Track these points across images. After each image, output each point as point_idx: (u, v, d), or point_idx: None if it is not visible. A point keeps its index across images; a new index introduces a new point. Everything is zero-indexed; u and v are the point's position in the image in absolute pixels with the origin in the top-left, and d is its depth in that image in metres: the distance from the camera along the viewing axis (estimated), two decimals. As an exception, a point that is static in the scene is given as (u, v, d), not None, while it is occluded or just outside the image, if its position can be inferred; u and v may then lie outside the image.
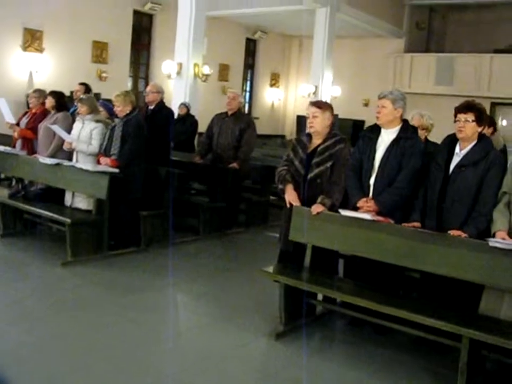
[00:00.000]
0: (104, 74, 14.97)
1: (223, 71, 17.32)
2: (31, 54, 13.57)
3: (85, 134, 6.65)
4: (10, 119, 7.46)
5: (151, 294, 5.40)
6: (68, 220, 5.90)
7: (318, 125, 4.82)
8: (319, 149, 4.81)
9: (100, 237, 6.21)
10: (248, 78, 20.18)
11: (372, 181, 4.59)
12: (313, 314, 4.92)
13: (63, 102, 7.28)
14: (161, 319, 4.83)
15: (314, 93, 15.46)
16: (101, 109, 7.05)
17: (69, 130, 6.80)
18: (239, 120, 7.77)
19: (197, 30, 11.26)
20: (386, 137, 4.61)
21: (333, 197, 4.69)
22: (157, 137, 6.92)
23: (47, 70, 13.88)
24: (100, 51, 15.01)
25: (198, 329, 4.64)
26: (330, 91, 15.96)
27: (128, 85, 16.18)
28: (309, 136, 4.95)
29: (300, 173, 4.83)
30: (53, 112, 7.20)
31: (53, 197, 6.78)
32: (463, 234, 4.11)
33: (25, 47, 13.47)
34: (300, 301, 4.65)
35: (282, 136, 20.16)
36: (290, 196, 4.78)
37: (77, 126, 6.80)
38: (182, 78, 11.21)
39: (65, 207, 6.60)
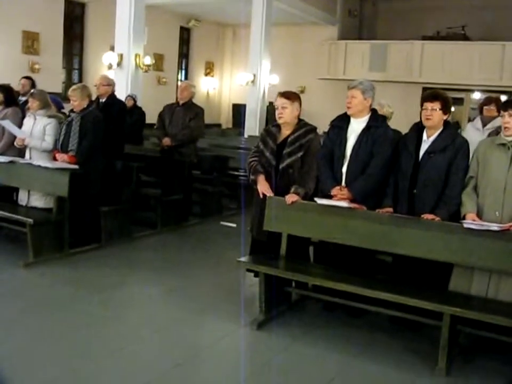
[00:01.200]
0: (36, 66, 14.56)
1: (158, 61, 17.10)
2: (-45, 45, 13.02)
3: (38, 130, 6.49)
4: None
5: (122, 290, 5.40)
6: (30, 220, 5.75)
7: (288, 116, 4.91)
8: (289, 139, 4.91)
9: (60, 236, 6.11)
10: (183, 67, 20.07)
11: (344, 169, 4.73)
12: (289, 302, 5.04)
13: (12, 96, 7.07)
14: (138, 315, 4.84)
15: (252, 81, 15.55)
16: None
17: (19, 126, 6.62)
18: (189, 110, 7.77)
19: (137, 19, 11.10)
20: (356, 126, 4.75)
21: (306, 186, 4.81)
22: (111, 131, 6.82)
23: (-25, 62, 13.37)
24: (31, 41, 14.57)
25: (177, 323, 4.66)
26: (268, 79, 16.09)
27: (62, 76, 15.80)
28: (278, 126, 5.03)
29: (271, 163, 4.92)
30: (1, 107, 6.98)
31: (4, 196, 6.62)
32: (436, 218, 4.31)
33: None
34: (276, 289, 4.76)
35: (219, 125, 20.17)
36: (263, 187, 4.86)
37: (28, 121, 6.62)
38: (124, 69, 11.04)
39: (20, 206, 6.45)
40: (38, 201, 6.42)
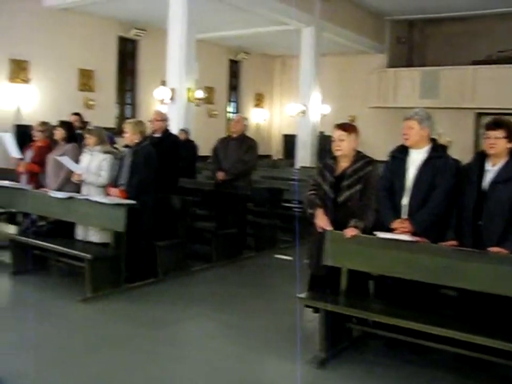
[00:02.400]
0: (91, 102, 14.97)
1: (208, 94, 17.34)
2: (18, 85, 13.49)
3: (94, 165, 6.59)
4: (15, 153, 7.37)
5: (180, 326, 5.35)
6: (88, 256, 5.81)
7: (345, 148, 4.83)
8: (347, 171, 4.82)
9: (117, 270, 6.13)
10: (233, 100, 20.26)
11: (404, 201, 4.60)
12: (350, 338, 4.90)
13: (72, 133, 7.24)
14: (196, 352, 4.77)
15: (303, 112, 15.56)
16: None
17: (77, 162, 6.74)
18: (243, 143, 7.79)
19: (188, 54, 11.32)
20: (416, 156, 4.64)
21: (365, 220, 4.70)
22: (166, 165, 6.87)
23: (34, 100, 13.83)
24: (86, 79, 15.01)
25: (237, 360, 4.57)
26: (319, 109, 16.07)
27: (115, 111, 16.13)
28: (335, 159, 4.96)
29: (330, 197, 4.83)
30: (62, 143, 7.13)
31: (63, 231, 6.70)
32: (503, 251, 4.13)
33: (11, 78, 13.37)
34: (337, 325, 4.64)
35: (269, 156, 20.21)
36: (322, 221, 4.77)
37: (85, 157, 6.74)
38: (176, 103, 11.21)
39: (78, 241, 6.52)
40: (94, 236, 6.48)
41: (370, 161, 4.86)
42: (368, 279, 5.00)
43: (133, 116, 16.25)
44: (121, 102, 16.52)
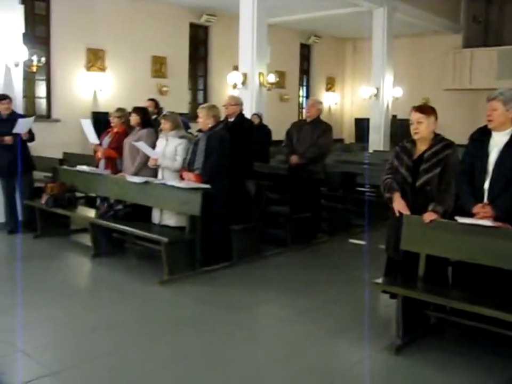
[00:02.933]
0: (164, 89, 15.15)
1: (280, 78, 17.24)
2: (94, 73, 13.81)
3: (170, 150, 6.68)
4: (94, 140, 7.56)
5: (254, 310, 5.38)
6: (165, 239, 5.90)
7: (424, 131, 4.69)
8: (425, 155, 4.68)
9: (193, 254, 6.21)
10: (304, 84, 20.12)
11: (486, 185, 4.44)
12: (427, 325, 4.79)
13: (147, 118, 7.36)
14: (271, 336, 4.79)
15: (376, 95, 15.29)
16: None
17: (153, 147, 6.85)
18: (317, 127, 7.70)
19: (259, 38, 11.23)
20: (499, 139, 4.45)
21: (445, 204, 4.56)
22: (240, 150, 6.88)
23: (110, 87, 14.12)
24: (159, 66, 15.19)
25: (311, 345, 4.54)
26: (391, 92, 15.75)
27: (188, 97, 16.30)
28: (413, 142, 4.82)
29: (407, 181, 4.71)
30: (137, 128, 7.26)
31: (140, 215, 6.83)
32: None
33: (88, 67, 13.71)
34: (414, 312, 4.54)
35: (341, 140, 19.97)
36: (399, 205, 4.66)
37: (161, 142, 6.84)
38: (248, 88, 11.20)
39: (154, 225, 6.64)
40: (170, 219, 6.59)
41: (450, 144, 4.70)
42: (447, 265, 4.87)
43: (206, 101, 16.37)
44: (194, 88, 16.66)
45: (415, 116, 4.73)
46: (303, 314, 5.20)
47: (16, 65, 8.07)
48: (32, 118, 7.91)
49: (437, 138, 4.75)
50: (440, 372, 4.08)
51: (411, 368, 4.15)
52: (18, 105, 8.21)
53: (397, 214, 4.68)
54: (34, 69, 8.74)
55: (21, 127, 7.64)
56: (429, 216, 4.49)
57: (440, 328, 4.87)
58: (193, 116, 12.93)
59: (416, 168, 4.70)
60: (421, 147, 4.76)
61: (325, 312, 5.24)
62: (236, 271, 6.44)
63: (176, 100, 14.77)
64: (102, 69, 13.93)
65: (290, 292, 5.80)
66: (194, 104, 16.20)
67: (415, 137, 4.75)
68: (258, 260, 6.86)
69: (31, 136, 7.88)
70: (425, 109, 4.79)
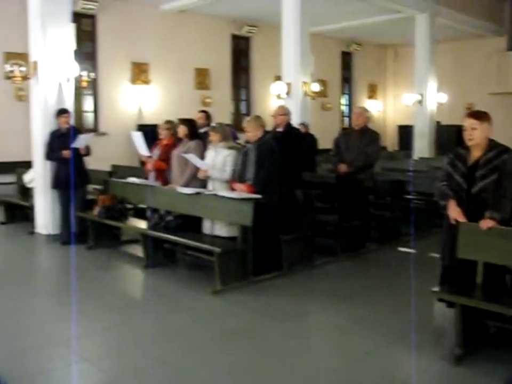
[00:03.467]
0: (207, 100, 15.34)
1: (322, 87, 17.27)
2: (139, 86, 14.06)
3: (219, 161, 6.74)
4: (144, 152, 7.68)
5: (308, 319, 5.39)
6: (218, 249, 5.96)
7: (478, 137, 4.63)
8: (481, 161, 4.63)
9: (244, 264, 6.24)
10: (346, 92, 20.08)
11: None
12: (487, 335, 4.71)
13: (195, 130, 7.45)
14: (327, 345, 4.77)
15: (419, 101, 15.17)
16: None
17: (201, 159, 6.92)
18: (365, 136, 7.68)
19: (303, 48, 11.28)
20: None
21: (502, 211, 4.49)
22: (289, 159, 6.90)
23: (155, 100, 14.35)
24: (202, 77, 15.41)
25: (368, 354, 4.52)
26: (436, 98, 15.60)
27: (231, 108, 16.44)
28: (467, 148, 4.77)
29: (462, 188, 4.66)
30: (185, 140, 7.36)
31: (190, 226, 6.90)
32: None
33: (133, 81, 13.96)
34: (472, 321, 4.47)
35: (384, 148, 19.84)
36: (455, 212, 4.61)
37: (210, 154, 6.91)
38: (292, 97, 11.23)
39: (205, 235, 6.70)
40: (221, 230, 6.63)
41: (506, 150, 4.63)
42: (505, 272, 4.79)
43: (248, 112, 16.52)
44: (236, 99, 16.82)
45: (469, 122, 4.68)
46: (357, 322, 5.18)
47: (68, 80, 8.29)
48: (91, 134, 8.16)
49: (492, 144, 4.69)
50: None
51: (471, 378, 4.08)
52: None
53: (453, 222, 4.63)
54: (84, 84, 8.95)
55: (81, 142, 7.90)
56: (486, 224, 4.43)
57: (501, 338, 4.78)
58: (236, 126, 13.09)
59: (471, 175, 4.64)
60: (476, 153, 4.70)
61: (380, 321, 5.20)
62: (287, 280, 6.45)
63: (220, 111, 14.92)
64: (147, 82, 14.19)
65: (343, 301, 5.78)
66: (237, 114, 16.36)
67: (469, 143, 4.69)
68: (309, 269, 6.87)
69: (88, 150, 8.10)
70: (479, 115, 4.73)
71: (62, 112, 8.08)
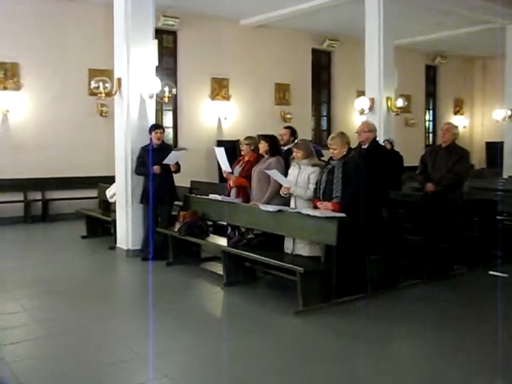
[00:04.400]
0: (288, 116, 15.39)
1: (405, 102, 17.02)
2: (219, 102, 14.30)
3: (302, 179, 6.75)
4: (227, 168, 7.78)
5: (393, 343, 5.32)
6: (301, 269, 5.94)
7: None
8: None
9: (328, 284, 6.19)
10: (430, 107, 19.73)
11: None
12: None
13: (276, 146, 7.49)
14: (419, 371, 4.65)
15: (511, 117, 14.71)
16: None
17: (284, 175, 6.95)
18: (453, 153, 7.53)
19: (386, 62, 11.24)
20: None
21: None
22: (375, 177, 6.82)
23: (234, 115, 14.53)
24: (282, 93, 15.49)
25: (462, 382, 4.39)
26: (529, 113, 15.11)
27: (311, 124, 16.45)
28: None
29: None
30: (266, 156, 7.41)
31: (272, 244, 6.91)
32: None
33: (213, 96, 14.21)
34: None
35: (472, 166, 19.33)
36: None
37: (293, 171, 6.93)
38: (375, 113, 11.16)
39: (287, 254, 6.70)
40: (303, 249, 6.61)
41: None
42: None
43: (329, 128, 16.51)
44: (317, 114, 16.81)
45: None
46: (449, 349, 5.03)
47: (151, 97, 8.53)
48: (183, 151, 8.38)
49: None
50: None
51: None
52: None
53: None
54: (166, 100, 9.18)
55: (172, 158, 8.19)
56: None
57: None
58: (316, 142, 13.07)
59: None
60: None
61: (474, 348, 5.04)
62: (372, 303, 6.35)
63: (300, 127, 14.71)
64: (226, 98, 14.40)
65: (432, 326, 5.65)
66: (318, 130, 16.35)
67: None
68: (394, 291, 6.74)
69: (178, 167, 8.35)
70: None
71: (155, 127, 8.41)
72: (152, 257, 8.25)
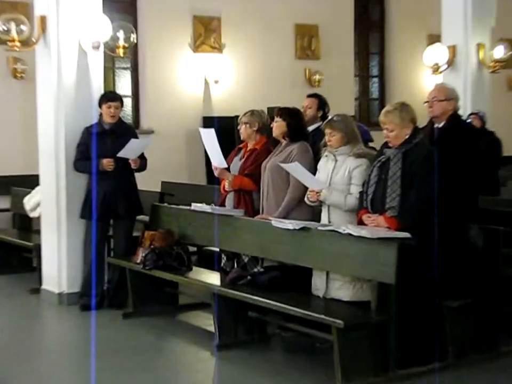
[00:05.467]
0: (315, 77, 15.36)
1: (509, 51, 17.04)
2: (205, 55, 14.48)
3: (340, 177, 6.74)
4: (220, 162, 7.69)
5: None
6: (339, 322, 5.91)
7: None
8: None
9: (383, 347, 6.18)
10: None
11: None
12: None
13: (301, 126, 7.47)
14: None
15: None
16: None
17: (311, 172, 6.96)
18: None
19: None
20: None
21: None
22: (456, 174, 6.80)
23: (229, 77, 14.61)
24: (307, 40, 15.59)
25: None
26: None
27: (354, 89, 16.42)
28: None
29: None
30: (283, 143, 7.41)
31: (292, 282, 6.92)
32: None
33: (196, 46, 14.22)
34: None
35: None
36: None
37: (325, 165, 6.92)
38: (458, 70, 11.12)
39: (316, 298, 6.71)
40: (342, 290, 6.61)
41: None
42: None
43: (382, 94, 16.50)
44: (363, 74, 16.78)
45: None
46: None
47: (96, 47, 8.47)
48: (149, 139, 8.27)
49: None
50: None
51: None
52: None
53: None
54: (120, 52, 8.93)
55: (132, 149, 8.15)
56: None
57: None
58: (364, 120, 13.07)
59: None
60: None
61: None
62: (454, 377, 6.35)
63: (336, 95, 14.84)
64: (218, 49, 14.42)
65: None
66: (365, 100, 16.36)
67: None
68: (491, 358, 6.73)
69: (143, 163, 8.39)
70: None
71: (107, 98, 8.37)
72: (98, 305, 8.23)
